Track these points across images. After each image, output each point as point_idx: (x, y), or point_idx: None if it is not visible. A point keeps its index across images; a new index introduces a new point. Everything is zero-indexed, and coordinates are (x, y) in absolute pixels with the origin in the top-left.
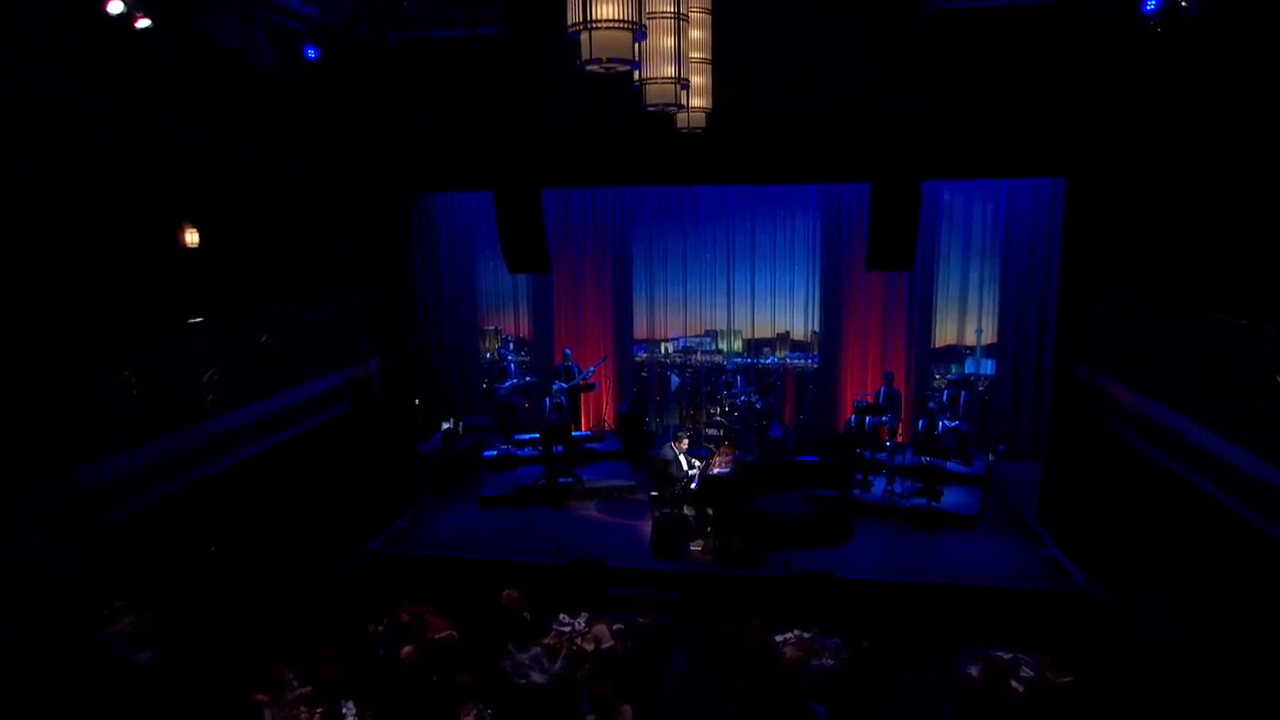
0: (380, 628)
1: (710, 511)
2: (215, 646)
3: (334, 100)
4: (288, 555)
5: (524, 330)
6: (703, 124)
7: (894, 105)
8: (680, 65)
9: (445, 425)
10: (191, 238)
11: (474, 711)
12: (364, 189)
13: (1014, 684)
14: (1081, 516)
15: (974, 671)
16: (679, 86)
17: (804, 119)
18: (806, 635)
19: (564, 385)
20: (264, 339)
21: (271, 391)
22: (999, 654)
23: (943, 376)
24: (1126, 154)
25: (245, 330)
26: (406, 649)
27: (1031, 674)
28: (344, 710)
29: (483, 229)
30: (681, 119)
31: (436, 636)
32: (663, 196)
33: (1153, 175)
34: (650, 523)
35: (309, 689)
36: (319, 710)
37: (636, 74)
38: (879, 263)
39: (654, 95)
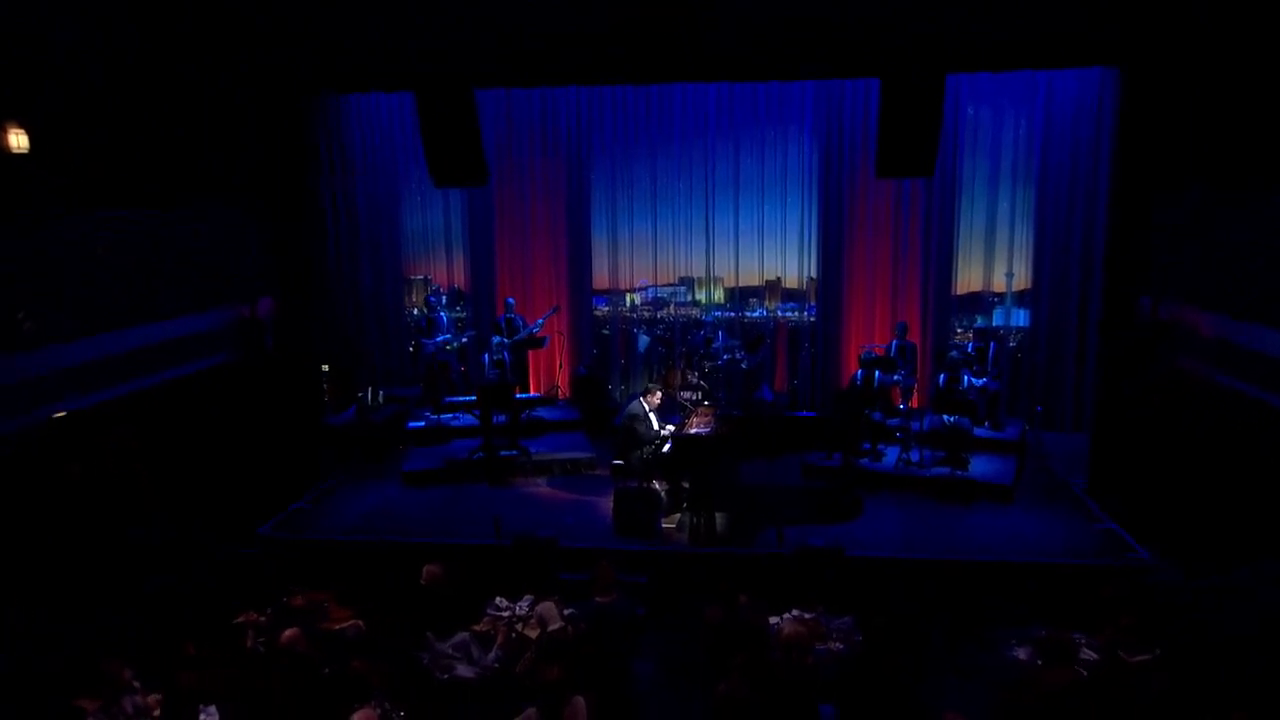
0: (260, 617)
1: (686, 485)
2: (38, 647)
3: None
4: (142, 536)
5: (460, 279)
6: None
7: None
8: None
9: (361, 395)
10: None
11: (378, 711)
12: (253, 84)
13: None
14: (1145, 479)
15: (1022, 655)
16: None
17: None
18: (809, 615)
19: (505, 340)
20: (102, 250)
21: (120, 324)
22: (1056, 633)
23: (966, 329)
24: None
25: (81, 238)
26: (289, 633)
27: (1094, 656)
28: (203, 717)
29: (408, 154)
30: None
31: (336, 627)
32: (629, 107)
33: (1235, 50)
34: (612, 497)
35: (151, 695)
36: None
37: None
38: (891, 168)
39: None
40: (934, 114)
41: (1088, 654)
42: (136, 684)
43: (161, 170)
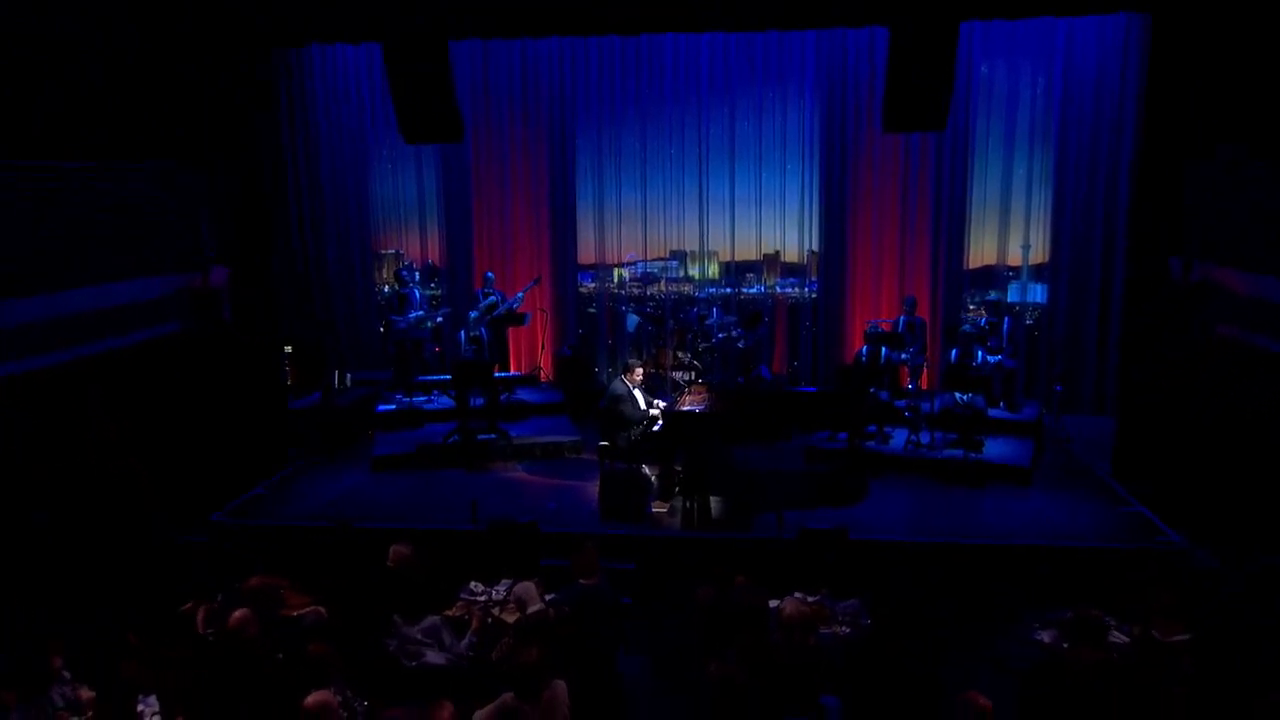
0: (212, 605)
1: (679, 468)
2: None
3: None
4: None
5: (434, 254)
6: None
7: None
8: None
9: (327, 377)
10: None
11: (339, 697)
12: (206, 33)
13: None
14: (1175, 458)
15: (1047, 638)
16: None
17: None
18: (812, 599)
19: (494, 301)
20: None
21: (51, 286)
22: (1083, 613)
23: (978, 306)
24: None
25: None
26: (237, 614)
27: (1125, 639)
28: (141, 708)
29: (377, 115)
30: None
31: (294, 614)
32: (615, 64)
33: None
34: (598, 480)
35: (82, 688)
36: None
37: None
38: (899, 121)
39: None
40: (946, 63)
41: (1117, 637)
42: (67, 674)
43: (97, 119)
